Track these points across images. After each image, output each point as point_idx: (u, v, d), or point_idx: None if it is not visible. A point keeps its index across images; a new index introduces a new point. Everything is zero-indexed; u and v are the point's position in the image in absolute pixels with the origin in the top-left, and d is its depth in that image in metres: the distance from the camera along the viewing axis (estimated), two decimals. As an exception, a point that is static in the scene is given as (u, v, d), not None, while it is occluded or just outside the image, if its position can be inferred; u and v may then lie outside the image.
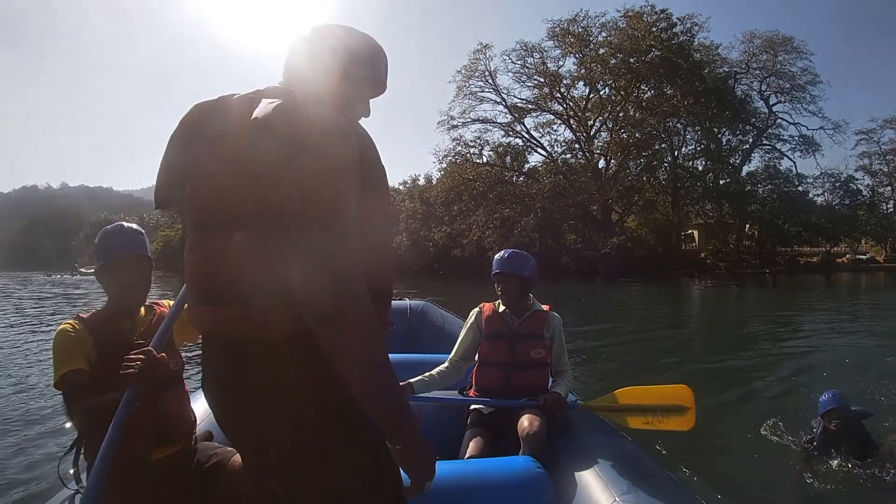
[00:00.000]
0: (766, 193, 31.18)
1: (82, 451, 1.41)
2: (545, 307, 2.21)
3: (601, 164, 29.51)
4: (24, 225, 68.72)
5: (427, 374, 2.11)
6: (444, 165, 29.47)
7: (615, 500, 1.49)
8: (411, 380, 2.07)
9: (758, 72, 32.18)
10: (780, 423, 3.49)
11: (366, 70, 0.94)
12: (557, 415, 2.01)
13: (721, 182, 30.68)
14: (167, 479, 1.40)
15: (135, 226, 1.54)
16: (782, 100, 32.53)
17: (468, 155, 29.35)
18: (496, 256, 2.20)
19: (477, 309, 2.23)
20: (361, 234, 0.79)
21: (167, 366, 1.37)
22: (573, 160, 29.92)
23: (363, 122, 1.00)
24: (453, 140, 29.88)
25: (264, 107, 0.79)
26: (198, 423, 1.58)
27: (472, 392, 2.17)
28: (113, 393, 1.28)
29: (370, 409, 0.77)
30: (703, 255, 30.53)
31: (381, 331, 0.80)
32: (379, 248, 0.89)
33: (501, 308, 2.18)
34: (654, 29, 27.88)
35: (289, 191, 0.75)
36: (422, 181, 32.82)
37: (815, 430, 2.94)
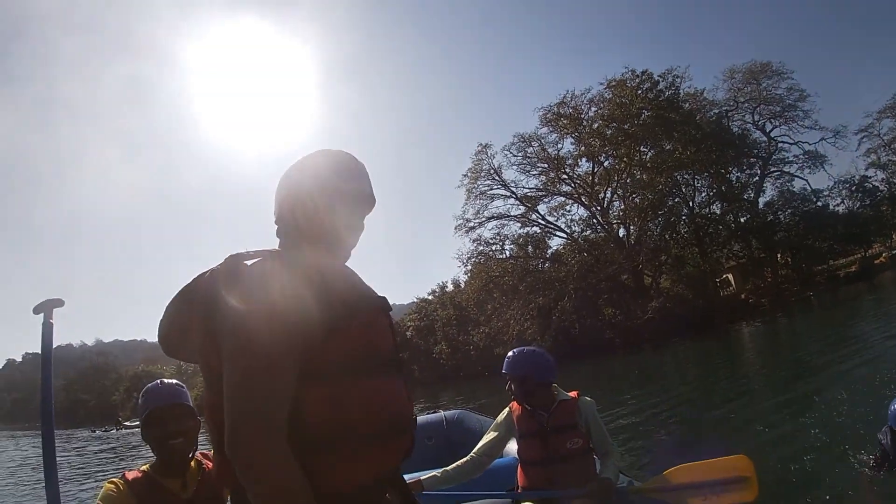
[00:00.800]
0: (788, 219, 31.05)
1: None
2: (572, 394, 2.18)
3: (622, 232, 29.75)
4: (62, 384, 69.29)
5: (442, 469, 2.05)
6: (469, 267, 29.87)
7: None
8: (422, 476, 1.99)
9: (746, 104, 32.83)
10: (850, 447, 3.45)
11: (356, 187, 1.01)
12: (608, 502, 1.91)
13: (742, 220, 30.67)
14: None
15: (174, 381, 1.59)
16: (777, 124, 33.04)
17: (490, 253, 29.78)
18: (507, 357, 2.21)
19: (507, 408, 2.23)
20: (330, 377, 0.84)
21: None
22: (593, 236, 30.18)
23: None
24: (473, 241, 30.46)
25: (217, 273, 0.91)
26: None
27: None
28: None
29: None
30: (743, 296, 30.11)
31: (299, 492, 0.78)
32: (363, 384, 0.87)
33: (527, 405, 2.15)
34: (639, 91, 28.73)
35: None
36: (450, 287, 33.19)
37: (883, 441, 2.76)
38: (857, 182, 34.31)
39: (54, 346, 1.58)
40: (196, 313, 0.91)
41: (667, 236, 28.80)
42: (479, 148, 30.14)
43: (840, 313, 17.58)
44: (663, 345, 21.77)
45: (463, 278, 31.68)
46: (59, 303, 1.41)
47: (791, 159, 32.66)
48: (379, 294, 1.01)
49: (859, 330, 11.05)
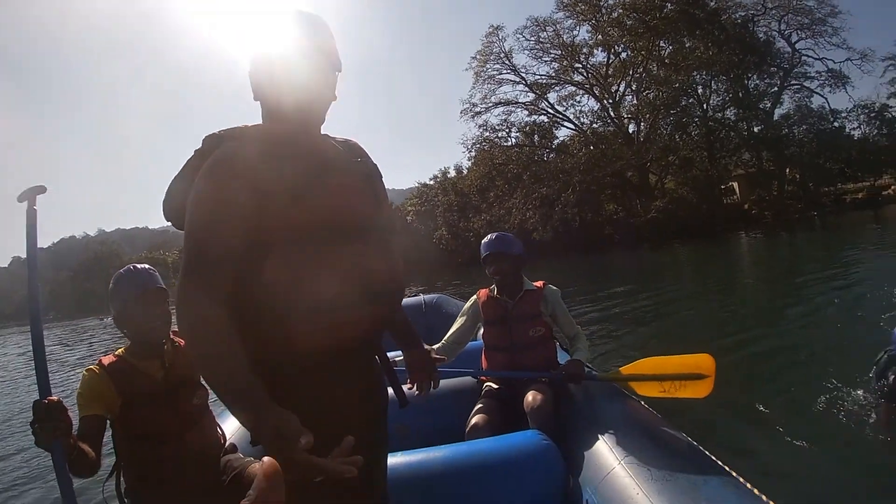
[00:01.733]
0: (802, 135, 30.29)
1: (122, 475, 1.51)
2: (538, 284, 2.27)
3: (631, 128, 28.98)
4: (68, 276, 69.59)
5: None
6: (473, 154, 29.32)
7: (619, 463, 1.45)
8: (396, 357, 2.12)
9: (774, 11, 31.29)
10: (834, 376, 3.25)
11: (316, 44, 0.96)
12: (573, 387, 2.05)
13: (756, 129, 29.90)
14: (201, 499, 1.47)
15: (146, 265, 1.61)
16: (804, 36, 31.56)
17: (496, 139, 29.12)
18: (483, 241, 2.29)
19: (474, 296, 2.32)
20: (293, 244, 0.86)
21: (189, 402, 1.50)
22: (602, 129, 29.44)
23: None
24: (479, 127, 29.71)
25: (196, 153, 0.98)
26: (228, 438, 1.70)
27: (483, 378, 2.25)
28: (141, 439, 1.45)
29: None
30: (746, 206, 29.81)
31: (214, 320, 0.81)
32: (318, 253, 0.88)
33: (496, 292, 2.25)
34: None
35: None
36: (452, 173, 32.66)
37: (880, 361, 2.56)
38: (877, 109, 33.40)
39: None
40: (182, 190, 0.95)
41: (677, 136, 28.11)
42: (490, 30, 29.01)
43: (843, 236, 17.22)
44: (662, 246, 21.68)
45: (466, 164, 31.27)
46: (41, 189, 1.33)
47: (813, 75, 31.45)
48: (364, 162, 1.05)
49: (858, 256, 10.53)
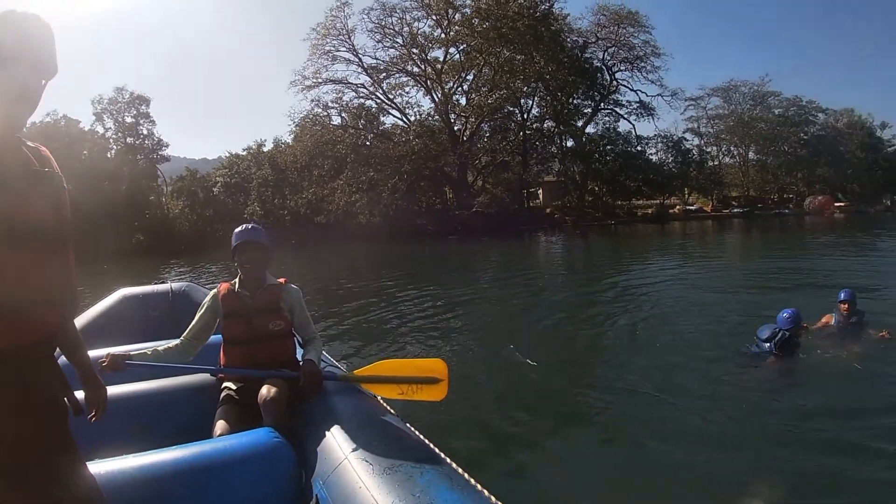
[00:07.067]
0: (607, 153, 34.60)
1: None
2: (280, 280, 2.28)
3: (457, 126, 30.55)
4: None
5: (152, 348, 2.14)
6: (296, 129, 28.62)
7: (346, 458, 1.51)
8: (130, 351, 2.12)
9: (602, 42, 34.90)
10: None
11: (21, 52, 0.95)
12: (314, 383, 2.04)
13: (568, 143, 33.46)
14: None
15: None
16: (623, 69, 35.85)
17: (325, 117, 28.75)
18: (237, 230, 2.26)
19: (214, 290, 2.28)
20: None
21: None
22: (430, 122, 30.59)
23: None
24: (312, 101, 29.03)
25: None
26: None
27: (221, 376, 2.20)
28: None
29: None
30: (548, 210, 33.42)
31: None
32: None
33: (237, 287, 2.22)
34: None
35: None
36: (269, 146, 31.30)
37: (758, 348, 4.13)
38: (675, 140, 39.31)
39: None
40: None
41: (499, 138, 30.31)
42: (338, 4, 28.29)
43: (635, 243, 20.44)
44: (471, 239, 23.41)
45: (287, 139, 30.46)
46: None
47: (624, 102, 36.04)
48: (49, 173, 1.02)
49: (647, 260, 12.57)
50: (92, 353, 1.38)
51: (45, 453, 0.98)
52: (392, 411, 1.97)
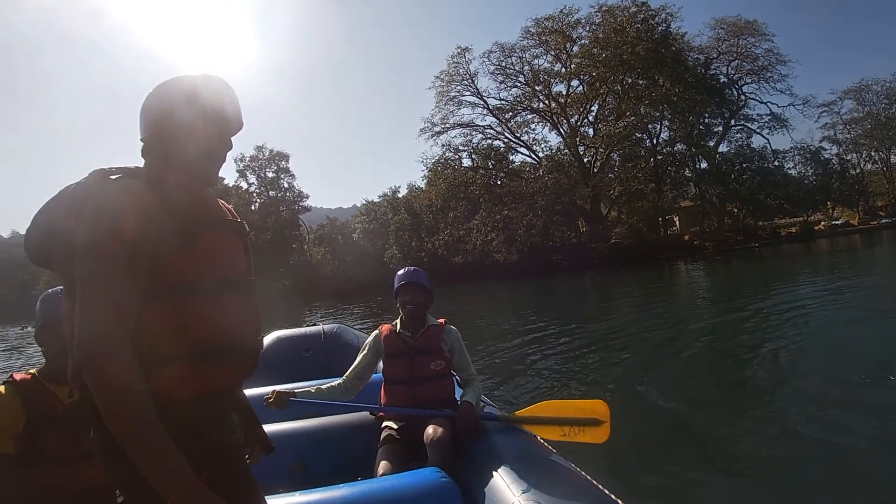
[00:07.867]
0: (744, 171, 32.22)
1: None
2: (440, 321, 2.29)
3: (586, 158, 29.96)
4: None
5: (316, 386, 2.17)
6: (429, 173, 29.49)
7: (517, 498, 1.45)
8: (295, 388, 2.14)
9: (724, 56, 33.13)
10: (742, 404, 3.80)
11: (221, 110, 1.01)
12: (469, 427, 2.00)
13: (701, 166, 31.56)
14: None
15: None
16: (750, 81, 33.66)
17: (455, 160, 29.49)
18: (399, 272, 2.31)
19: (376, 331, 2.30)
20: (173, 294, 0.89)
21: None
22: (559, 157, 30.28)
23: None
24: (443, 146, 29.93)
25: (81, 185, 0.94)
26: None
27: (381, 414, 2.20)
28: (37, 472, 1.36)
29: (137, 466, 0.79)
30: (686, 237, 31.39)
31: (138, 394, 0.80)
32: (203, 303, 0.92)
33: (399, 328, 2.25)
34: (636, 24, 28.31)
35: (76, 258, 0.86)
36: (404, 192, 32.51)
37: None
38: (812, 151, 35.88)
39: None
40: (60, 223, 0.93)
41: (629, 168, 29.29)
42: (458, 51, 29.30)
43: (781, 265, 18.49)
44: (608, 272, 22.41)
45: (420, 183, 31.37)
46: None
47: (755, 117, 33.59)
48: (241, 223, 1.09)
49: (797, 286, 11.18)
50: (251, 392, 1.37)
51: (243, 492, 1.02)
52: (553, 450, 1.89)
